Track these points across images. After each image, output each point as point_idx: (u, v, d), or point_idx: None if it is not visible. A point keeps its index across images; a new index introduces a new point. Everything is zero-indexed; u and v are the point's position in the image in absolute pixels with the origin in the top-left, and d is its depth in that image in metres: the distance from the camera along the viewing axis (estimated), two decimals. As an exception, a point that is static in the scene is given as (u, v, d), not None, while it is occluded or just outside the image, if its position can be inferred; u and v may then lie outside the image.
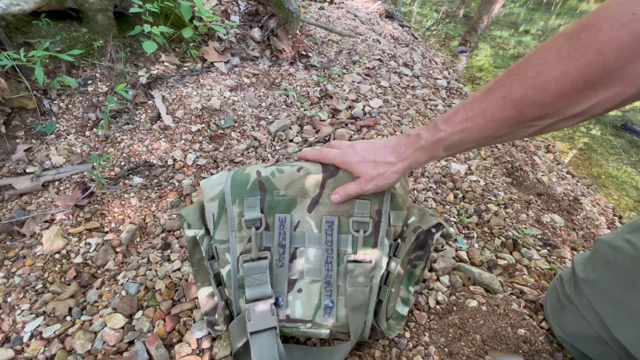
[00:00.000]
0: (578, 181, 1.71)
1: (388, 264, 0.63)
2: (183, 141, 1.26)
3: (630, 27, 0.31)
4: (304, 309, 0.63)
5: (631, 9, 0.31)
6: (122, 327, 0.73)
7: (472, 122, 0.44)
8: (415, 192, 1.17)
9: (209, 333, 0.71)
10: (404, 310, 0.66)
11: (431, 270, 0.90)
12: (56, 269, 0.86)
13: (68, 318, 0.76)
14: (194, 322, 0.73)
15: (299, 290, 0.63)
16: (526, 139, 1.97)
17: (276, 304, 0.62)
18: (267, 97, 1.56)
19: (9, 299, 0.79)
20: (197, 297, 0.78)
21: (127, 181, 1.10)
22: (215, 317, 0.65)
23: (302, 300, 0.63)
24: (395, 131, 1.50)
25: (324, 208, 0.61)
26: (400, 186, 0.63)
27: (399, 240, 0.63)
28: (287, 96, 1.59)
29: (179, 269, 0.85)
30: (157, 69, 1.48)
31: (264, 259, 0.60)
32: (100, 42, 1.40)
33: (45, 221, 0.97)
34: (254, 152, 1.27)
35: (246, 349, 0.63)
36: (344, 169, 0.59)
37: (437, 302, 0.81)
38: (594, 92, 0.35)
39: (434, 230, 0.60)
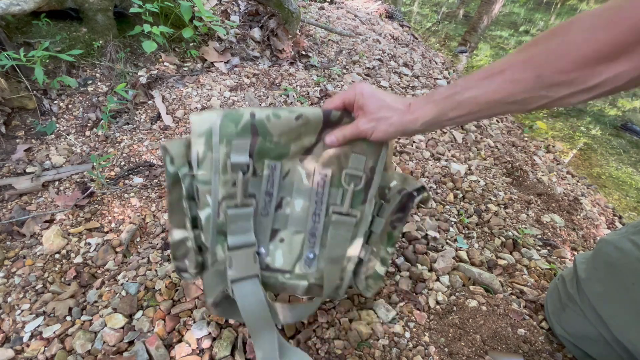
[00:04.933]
0: (578, 181, 1.71)
1: (371, 223, 0.63)
2: (183, 141, 1.26)
3: None
4: (284, 259, 0.62)
5: None
6: (122, 327, 0.73)
7: (490, 79, 0.44)
8: (415, 192, 1.17)
9: (209, 333, 0.71)
10: (382, 270, 0.66)
11: (431, 270, 0.90)
12: (56, 269, 0.86)
13: (68, 318, 0.76)
14: (194, 322, 0.73)
15: (281, 240, 0.61)
16: (526, 138, 1.97)
17: (257, 252, 0.60)
18: (267, 97, 1.56)
19: (9, 299, 0.79)
20: (197, 297, 0.78)
21: (127, 181, 1.10)
22: (186, 262, 0.62)
23: (283, 251, 0.61)
24: (395, 131, 1.50)
25: (316, 159, 0.58)
26: (389, 147, 0.61)
27: (382, 201, 0.63)
28: (287, 96, 1.59)
29: (179, 269, 0.85)
30: (157, 69, 1.48)
31: (249, 206, 0.57)
32: (100, 42, 1.40)
33: (45, 221, 0.97)
34: (254, 152, 1.27)
35: (225, 300, 0.61)
36: (357, 100, 0.54)
37: (437, 302, 0.81)
38: (610, 63, 0.37)
39: (415, 193, 0.60)
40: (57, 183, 1.07)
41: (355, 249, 0.63)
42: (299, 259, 0.62)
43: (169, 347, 0.69)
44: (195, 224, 0.60)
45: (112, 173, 1.12)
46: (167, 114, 1.34)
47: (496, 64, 0.44)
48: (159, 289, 0.80)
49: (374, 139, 0.54)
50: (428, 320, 0.77)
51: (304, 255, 0.62)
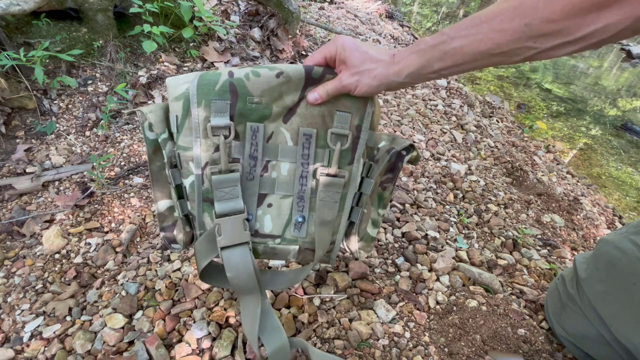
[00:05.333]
0: (578, 181, 1.71)
1: (361, 184, 0.61)
2: (183, 141, 1.26)
3: None
4: (273, 224, 0.60)
5: None
6: (122, 327, 0.73)
7: (477, 29, 0.42)
8: (415, 192, 1.17)
9: (209, 333, 0.71)
10: (373, 232, 0.65)
11: (431, 270, 0.90)
12: (56, 269, 0.86)
13: (68, 318, 0.76)
14: (194, 322, 0.73)
15: (269, 205, 0.60)
16: (526, 138, 1.97)
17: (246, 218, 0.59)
18: (267, 97, 1.56)
19: (9, 299, 0.79)
20: (197, 297, 0.78)
21: (127, 181, 1.10)
22: (174, 233, 0.61)
23: (271, 215, 0.60)
24: (395, 131, 1.50)
25: (300, 119, 0.56)
26: (376, 105, 0.59)
27: (371, 162, 0.61)
28: (287, 96, 1.59)
29: (179, 269, 0.85)
30: (157, 69, 1.48)
31: (235, 171, 0.55)
32: (100, 42, 1.40)
33: (45, 221, 0.97)
34: (254, 152, 1.27)
35: (212, 267, 0.61)
36: (338, 54, 0.52)
37: (437, 302, 0.81)
38: (601, 12, 0.36)
39: (404, 152, 0.58)
40: (57, 183, 1.07)
41: (345, 211, 0.62)
42: (289, 223, 0.61)
43: (169, 347, 0.69)
44: (181, 193, 0.58)
45: (112, 173, 1.12)
46: (167, 114, 1.34)
47: (485, 11, 0.42)
48: (159, 289, 0.80)
49: (358, 93, 0.52)
50: (428, 320, 0.77)
51: (293, 219, 0.61)
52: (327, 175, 0.58)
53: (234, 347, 0.70)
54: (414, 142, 0.51)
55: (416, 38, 3.13)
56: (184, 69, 1.55)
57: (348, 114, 0.56)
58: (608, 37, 0.37)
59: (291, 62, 1.84)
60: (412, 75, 0.47)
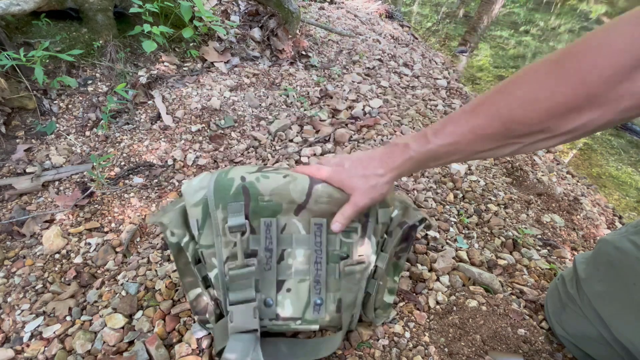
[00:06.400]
0: (578, 181, 1.71)
1: (376, 259, 0.65)
2: (183, 141, 1.26)
3: (608, 57, 0.34)
4: (293, 307, 0.64)
5: (608, 41, 0.35)
6: (122, 327, 0.73)
7: (461, 136, 0.45)
8: (415, 192, 1.17)
9: (209, 333, 0.71)
10: (390, 299, 0.69)
11: (431, 270, 0.90)
12: (56, 269, 0.86)
13: (68, 318, 0.76)
14: (194, 322, 0.73)
15: (288, 290, 0.64)
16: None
17: (265, 304, 0.64)
18: (267, 97, 1.56)
19: (9, 299, 0.79)
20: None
21: (127, 181, 1.10)
22: (207, 316, 0.66)
23: (291, 300, 0.64)
24: (395, 131, 1.50)
25: (310, 212, 0.61)
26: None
27: (385, 236, 0.65)
28: (287, 96, 1.59)
29: (179, 269, 0.85)
30: (157, 69, 1.48)
31: (251, 265, 0.60)
32: (100, 42, 1.40)
33: (45, 221, 0.97)
34: (254, 152, 1.27)
35: None
36: (336, 187, 0.59)
37: (437, 302, 0.81)
38: (578, 114, 0.37)
39: (417, 223, 0.62)
40: (57, 183, 1.07)
41: (361, 287, 0.65)
42: (308, 305, 0.65)
43: (169, 347, 0.69)
44: (208, 282, 0.64)
45: (112, 173, 1.12)
46: (167, 114, 1.34)
47: (464, 115, 0.45)
48: (159, 289, 0.80)
49: (375, 203, 0.58)
50: (428, 320, 0.77)
51: (311, 301, 0.65)
52: (351, 264, 0.62)
53: (234, 347, 0.70)
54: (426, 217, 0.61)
55: (416, 38, 3.13)
56: (184, 68, 1.55)
57: None
58: (593, 129, 0.38)
59: (291, 62, 1.84)
60: (411, 172, 0.56)
